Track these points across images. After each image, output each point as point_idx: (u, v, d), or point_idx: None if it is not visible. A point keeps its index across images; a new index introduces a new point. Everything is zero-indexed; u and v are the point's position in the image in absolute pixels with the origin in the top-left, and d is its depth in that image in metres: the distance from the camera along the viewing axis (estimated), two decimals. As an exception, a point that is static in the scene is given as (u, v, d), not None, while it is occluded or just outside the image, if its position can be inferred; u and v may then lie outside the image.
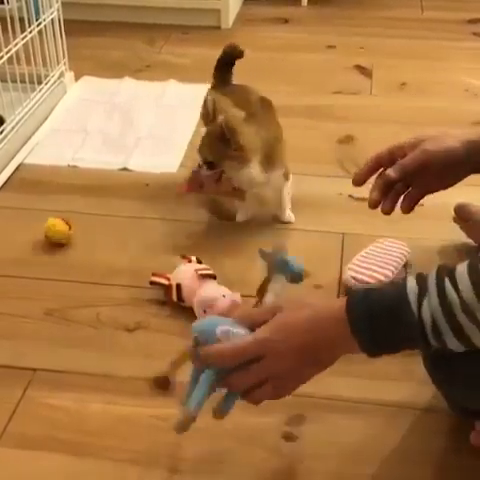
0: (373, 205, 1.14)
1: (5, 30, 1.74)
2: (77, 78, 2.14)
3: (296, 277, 1.07)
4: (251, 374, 0.90)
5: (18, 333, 1.28)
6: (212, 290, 1.31)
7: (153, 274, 1.37)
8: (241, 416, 1.12)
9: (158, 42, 2.43)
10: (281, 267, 1.06)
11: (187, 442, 1.08)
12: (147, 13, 2.52)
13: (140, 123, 1.95)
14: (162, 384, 1.18)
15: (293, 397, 1.14)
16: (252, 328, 0.92)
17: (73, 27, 2.07)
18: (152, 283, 1.36)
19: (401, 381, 1.18)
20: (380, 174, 1.16)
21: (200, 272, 1.33)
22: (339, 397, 1.16)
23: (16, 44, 1.76)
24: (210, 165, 1.45)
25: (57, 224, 1.48)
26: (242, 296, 1.30)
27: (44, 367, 1.21)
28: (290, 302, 0.93)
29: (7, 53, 1.71)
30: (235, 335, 0.91)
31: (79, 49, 2.18)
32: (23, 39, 1.80)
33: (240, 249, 1.48)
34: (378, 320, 0.84)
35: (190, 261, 1.39)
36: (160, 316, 1.33)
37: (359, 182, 1.17)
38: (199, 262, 1.38)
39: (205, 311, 1.29)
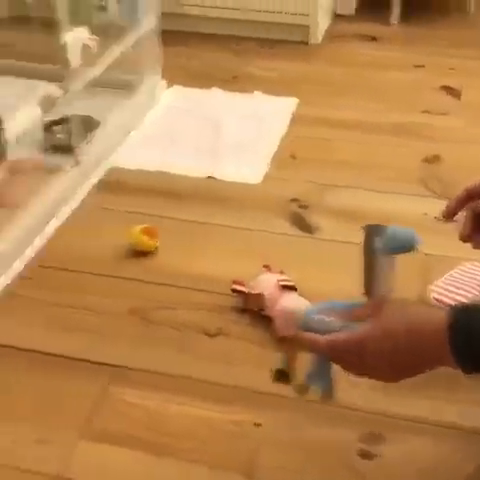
0: (464, 240, 1.13)
1: (104, 37, 1.81)
2: (168, 87, 2.20)
3: (408, 246, 0.94)
4: (349, 368, 0.92)
5: (102, 329, 1.33)
6: (293, 301, 1.32)
7: (234, 282, 1.39)
8: (316, 428, 1.13)
9: (246, 55, 2.47)
10: (389, 243, 0.94)
11: (264, 450, 1.10)
12: (237, 26, 2.57)
13: (226, 133, 1.99)
14: (283, 377, 1.14)
15: (367, 414, 1.15)
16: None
17: (166, 37, 2.12)
18: (233, 291, 1.38)
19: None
20: (471, 206, 1.15)
21: (282, 283, 1.35)
22: (420, 419, 1.15)
23: (115, 51, 1.82)
24: None
25: (142, 237, 1.51)
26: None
27: (126, 364, 1.25)
28: (392, 304, 0.93)
29: (106, 60, 1.77)
30: (327, 324, 0.93)
31: (171, 58, 2.23)
32: (122, 47, 1.85)
33: (321, 262, 1.49)
34: (478, 338, 0.84)
35: (272, 271, 1.40)
36: (240, 323, 1.35)
37: (449, 215, 1.15)
38: (281, 273, 1.40)
39: (285, 322, 1.30)
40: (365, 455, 1.10)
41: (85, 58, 1.62)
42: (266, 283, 1.36)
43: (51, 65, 2.08)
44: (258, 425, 1.14)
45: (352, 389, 1.19)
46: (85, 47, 1.59)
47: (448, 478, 1.06)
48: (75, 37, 1.56)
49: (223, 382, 1.22)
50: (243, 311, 1.37)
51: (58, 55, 1.95)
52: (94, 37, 1.62)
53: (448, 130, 2.01)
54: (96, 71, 1.69)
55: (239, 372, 1.24)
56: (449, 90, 2.25)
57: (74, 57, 1.56)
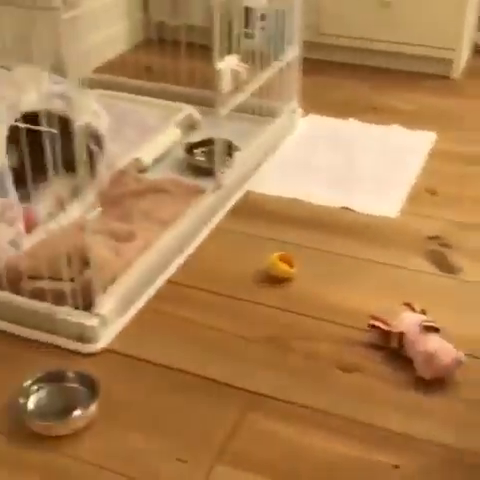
0: None
1: (250, 64, 1.84)
2: (305, 115, 2.21)
3: None
4: None
5: (240, 354, 1.33)
6: (436, 344, 1.28)
7: (373, 317, 1.37)
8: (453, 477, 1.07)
9: (386, 86, 2.45)
10: None
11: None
12: (377, 57, 2.56)
13: (363, 164, 1.98)
14: None
15: None
16: None
17: (305, 65, 2.14)
18: (371, 326, 1.36)
19: None
20: None
21: (425, 323, 1.31)
22: None
23: (261, 78, 1.85)
24: None
25: (280, 264, 1.52)
26: (466, 355, 1.27)
27: (263, 392, 1.25)
28: None
29: (253, 86, 1.80)
30: None
31: (309, 87, 2.25)
32: (267, 74, 1.88)
33: (465, 304, 1.44)
34: None
35: (413, 310, 1.37)
36: (376, 361, 1.32)
37: None
38: (423, 312, 1.36)
39: (425, 363, 1.26)
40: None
41: (234, 84, 1.65)
42: (408, 322, 1.33)
43: (198, 89, 2.16)
44: (396, 467, 1.11)
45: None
46: (235, 73, 1.62)
47: None
48: (227, 64, 1.59)
49: (359, 419, 1.20)
50: (380, 348, 1.34)
51: (209, 80, 2.01)
52: (244, 64, 1.65)
53: None
54: (243, 97, 1.72)
55: (375, 411, 1.21)
56: None
57: (225, 83, 1.59)
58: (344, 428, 1.18)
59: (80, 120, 1.15)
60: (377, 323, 1.36)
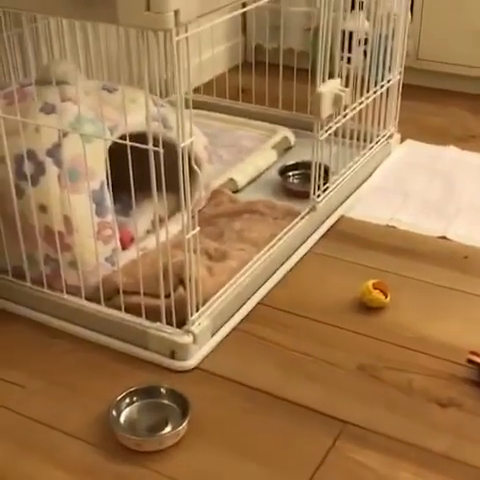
0: None
1: (350, 89, 1.83)
2: (402, 141, 2.18)
3: None
4: None
5: (331, 381, 1.31)
6: None
7: (471, 352, 1.32)
8: None
9: (486, 113, 2.39)
10: None
11: None
12: (476, 84, 2.49)
13: (462, 192, 1.92)
14: None
15: None
16: None
17: (403, 90, 2.11)
18: (469, 361, 1.31)
19: None
20: None
21: (527, 361, 1.26)
22: None
23: (360, 103, 1.83)
24: None
25: (374, 292, 1.49)
26: None
27: (354, 421, 1.22)
28: None
29: (352, 111, 1.78)
30: None
31: (406, 112, 2.21)
32: (367, 99, 1.86)
33: None
34: None
35: (514, 347, 1.32)
36: (474, 397, 1.27)
37: None
38: (525, 350, 1.31)
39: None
40: None
41: (335, 109, 1.64)
42: (509, 359, 1.28)
43: (297, 113, 2.17)
44: (494, 512, 1.06)
45: None
46: (336, 98, 1.61)
47: None
48: (329, 88, 1.59)
49: (453, 456, 1.15)
50: (478, 384, 1.29)
51: (308, 103, 2.01)
52: (345, 89, 1.64)
53: None
54: (342, 122, 1.71)
55: (471, 449, 1.17)
56: None
57: (326, 107, 1.58)
58: (436, 464, 1.14)
59: (183, 141, 1.17)
60: (475, 358, 1.31)
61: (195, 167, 1.21)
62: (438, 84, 2.56)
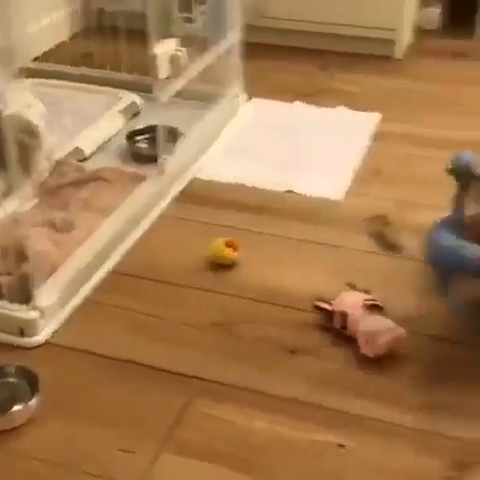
0: None
1: (190, 49, 1.82)
2: (249, 99, 2.20)
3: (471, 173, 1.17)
4: None
5: (185, 341, 1.32)
6: (377, 322, 1.29)
7: (317, 299, 1.36)
8: (402, 454, 1.10)
9: (330, 69, 2.44)
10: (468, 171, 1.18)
11: (346, 473, 1.07)
12: (321, 40, 2.55)
13: (308, 147, 1.97)
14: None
15: (461, 443, 1.11)
16: None
17: (249, 49, 2.12)
18: (316, 308, 1.36)
19: None
20: None
21: (368, 302, 1.32)
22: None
23: (201, 63, 1.83)
24: None
25: (225, 250, 1.50)
26: (408, 332, 1.28)
27: (209, 378, 1.24)
28: None
29: (192, 72, 1.77)
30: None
31: (253, 71, 2.23)
32: (207, 59, 1.86)
33: (406, 281, 1.45)
34: None
35: (356, 290, 1.37)
36: (322, 342, 1.32)
37: None
38: (366, 292, 1.37)
39: (368, 342, 1.27)
40: (452, 484, 1.06)
41: (173, 70, 1.62)
42: (351, 302, 1.33)
43: (137, 75, 2.13)
44: (342, 447, 1.11)
45: (441, 414, 1.16)
46: (173, 58, 1.59)
47: None
48: (164, 49, 1.57)
49: (306, 401, 1.20)
50: (326, 329, 1.34)
51: (148, 66, 1.98)
52: (182, 49, 1.63)
53: None
54: (182, 83, 1.70)
55: (321, 391, 1.21)
56: None
57: (163, 68, 1.57)
58: (290, 410, 1.18)
59: (7, 110, 1.12)
60: (322, 304, 1.35)
61: (27, 141, 1.17)
62: (283, 41, 2.59)
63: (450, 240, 1.19)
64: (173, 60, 1.59)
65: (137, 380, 1.23)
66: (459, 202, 1.22)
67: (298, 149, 1.96)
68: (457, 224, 1.21)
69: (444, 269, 1.22)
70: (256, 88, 2.24)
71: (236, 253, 1.51)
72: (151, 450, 1.11)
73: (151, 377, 1.24)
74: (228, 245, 1.50)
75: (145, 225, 1.62)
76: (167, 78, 1.62)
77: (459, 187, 1.22)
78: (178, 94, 1.73)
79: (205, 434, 1.14)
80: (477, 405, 1.19)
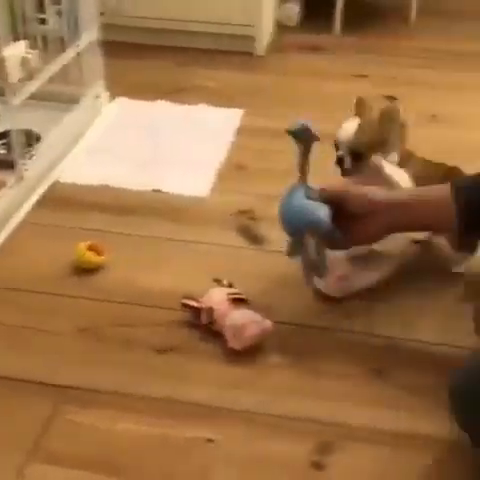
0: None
1: (45, 50, 1.78)
2: (112, 99, 2.18)
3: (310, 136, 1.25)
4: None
5: (51, 349, 1.29)
6: (243, 315, 1.31)
7: (184, 297, 1.37)
8: (269, 441, 1.13)
9: (192, 66, 2.46)
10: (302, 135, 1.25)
11: (217, 467, 1.09)
12: (182, 37, 2.56)
13: (172, 145, 1.98)
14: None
15: (320, 425, 1.15)
16: None
17: (110, 49, 2.10)
18: (183, 305, 1.37)
19: (434, 415, 1.17)
20: None
21: (232, 296, 1.34)
22: (369, 428, 1.16)
23: (55, 64, 1.79)
24: (356, 157, 1.41)
25: (88, 254, 1.48)
26: (273, 322, 1.31)
27: (76, 385, 1.22)
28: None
29: (46, 73, 1.74)
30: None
31: (115, 70, 2.21)
32: (62, 60, 1.82)
33: (272, 275, 1.49)
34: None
35: (222, 285, 1.39)
36: (191, 339, 1.33)
37: None
38: (231, 286, 1.39)
39: (235, 335, 1.29)
40: (318, 466, 1.09)
41: (25, 72, 1.58)
42: (216, 297, 1.35)
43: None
44: (211, 441, 1.13)
45: (304, 400, 1.20)
46: (24, 61, 1.55)
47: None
48: (14, 51, 1.52)
49: (174, 398, 1.20)
50: (194, 326, 1.35)
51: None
52: (33, 51, 1.59)
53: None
54: (36, 84, 1.66)
55: (190, 388, 1.23)
56: (392, 99, 2.28)
57: (14, 71, 1.52)
58: (158, 409, 1.18)
59: None
60: (188, 301, 1.36)
61: None
62: (145, 40, 2.58)
63: (304, 201, 1.25)
64: (23, 62, 1.54)
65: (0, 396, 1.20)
66: (303, 168, 1.28)
67: (162, 148, 1.96)
68: (307, 188, 1.27)
69: (297, 229, 1.26)
70: (119, 87, 2.22)
71: (101, 257, 1.49)
72: (18, 462, 1.08)
73: (15, 390, 1.21)
74: (90, 249, 1.48)
75: (5, 234, 1.57)
76: (20, 81, 1.58)
77: (301, 152, 1.27)
78: (39, 97, 1.69)
79: (73, 441, 1.12)
80: (330, 386, 1.24)
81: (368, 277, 1.43)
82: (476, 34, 2.82)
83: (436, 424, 1.15)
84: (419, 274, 1.47)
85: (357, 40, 2.74)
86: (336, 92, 2.33)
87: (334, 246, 1.29)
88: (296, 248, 1.29)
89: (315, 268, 1.29)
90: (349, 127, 1.42)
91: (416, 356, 1.30)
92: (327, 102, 2.25)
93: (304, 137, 1.26)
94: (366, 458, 1.11)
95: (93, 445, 1.12)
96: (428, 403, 1.18)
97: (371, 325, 1.36)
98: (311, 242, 1.26)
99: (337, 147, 1.42)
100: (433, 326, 1.36)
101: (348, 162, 1.40)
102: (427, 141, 2.02)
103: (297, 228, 1.27)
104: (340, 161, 1.41)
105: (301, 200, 1.26)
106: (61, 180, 1.80)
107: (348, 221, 1.24)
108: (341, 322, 1.36)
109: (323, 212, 1.24)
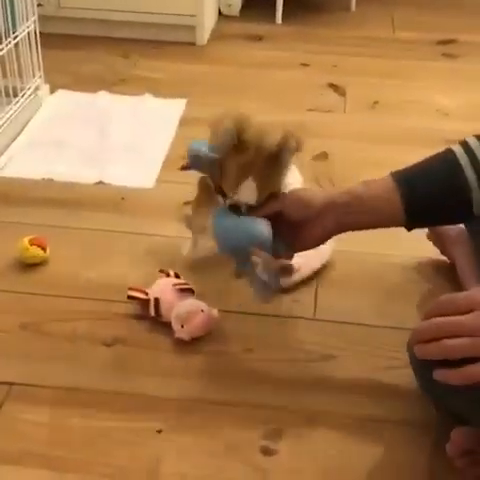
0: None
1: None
2: (53, 91, 2.14)
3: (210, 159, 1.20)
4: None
5: (-7, 347, 1.27)
6: (190, 305, 1.31)
7: (130, 288, 1.36)
8: (219, 429, 1.13)
9: (133, 56, 2.43)
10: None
11: (167, 457, 1.09)
12: (123, 28, 2.53)
13: (115, 137, 1.95)
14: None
15: (271, 411, 1.16)
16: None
17: (49, 40, 2.07)
18: (129, 297, 1.35)
19: (384, 396, 1.19)
20: None
21: (178, 286, 1.34)
22: (318, 411, 1.17)
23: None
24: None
25: (31, 249, 1.45)
26: (220, 311, 1.31)
27: (20, 381, 1.20)
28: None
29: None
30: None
31: (55, 62, 2.18)
32: (-1, 51, 1.79)
33: (218, 264, 1.49)
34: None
35: (168, 275, 1.39)
36: (138, 331, 1.32)
37: None
38: (177, 277, 1.39)
39: (182, 326, 1.29)
40: (267, 452, 1.10)
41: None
42: (162, 288, 1.34)
43: None
44: (159, 432, 1.13)
45: (254, 385, 1.21)
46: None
47: (352, 469, 1.08)
48: None
49: (121, 391, 1.19)
50: (141, 318, 1.34)
51: None
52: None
53: (334, 127, 2.06)
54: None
55: (137, 380, 1.22)
56: (335, 88, 2.31)
57: None
58: (107, 402, 1.17)
59: None
60: (134, 293, 1.35)
61: None
62: (84, 31, 2.54)
63: (239, 219, 1.18)
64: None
65: None
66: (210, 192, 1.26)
67: (106, 139, 1.94)
68: (232, 208, 1.18)
69: (239, 248, 1.18)
70: (59, 80, 2.19)
71: (44, 251, 1.47)
72: (-37, 464, 1.06)
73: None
74: (33, 243, 1.46)
75: None
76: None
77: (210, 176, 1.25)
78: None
79: (20, 439, 1.11)
80: (280, 372, 1.25)
81: (313, 263, 1.45)
82: (417, 21, 2.87)
83: (387, 408, 1.17)
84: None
85: (299, 29, 2.76)
86: (279, 81, 2.34)
87: (280, 256, 1.22)
88: (243, 269, 1.22)
89: (267, 287, 1.23)
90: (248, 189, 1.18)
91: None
92: (270, 91, 2.26)
93: (200, 166, 1.22)
94: (317, 443, 1.12)
95: (40, 441, 1.10)
96: (380, 387, 1.21)
97: (318, 310, 1.37)
98: (257, 260, 1.19)
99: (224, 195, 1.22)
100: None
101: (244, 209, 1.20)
102: (369, 128, 2.07)
103: (238, 247, 1.18)
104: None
105: (235, 218, 1.17)
106: (2, 175, 1.76)
107: (290, 229, 1.18)
108: (290, 309, 1.37)
109: (262, 225, 1.16)
